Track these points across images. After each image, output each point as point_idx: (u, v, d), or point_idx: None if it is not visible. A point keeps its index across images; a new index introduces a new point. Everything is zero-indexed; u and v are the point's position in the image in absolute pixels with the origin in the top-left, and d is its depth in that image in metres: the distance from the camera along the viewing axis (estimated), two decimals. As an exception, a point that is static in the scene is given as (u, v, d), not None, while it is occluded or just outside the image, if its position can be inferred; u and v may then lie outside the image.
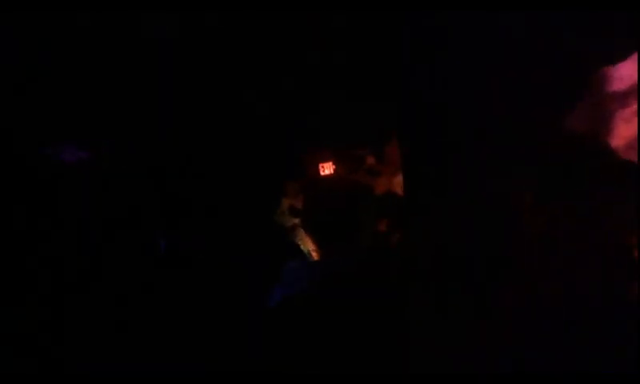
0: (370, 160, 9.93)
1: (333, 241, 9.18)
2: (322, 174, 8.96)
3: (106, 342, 4.32)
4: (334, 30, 6.04)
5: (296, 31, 6.33)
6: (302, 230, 9.46)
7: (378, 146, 9.86)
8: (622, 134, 3.85)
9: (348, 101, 9.24)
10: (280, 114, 8.31)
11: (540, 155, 4.54)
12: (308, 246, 9.04)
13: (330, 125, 9.49)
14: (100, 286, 4.43)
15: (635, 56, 3.79)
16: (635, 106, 3.65)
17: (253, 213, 8.17)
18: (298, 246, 9.15)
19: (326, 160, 9.12)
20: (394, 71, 5.83)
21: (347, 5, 4.37)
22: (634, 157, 3.73)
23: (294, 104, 8.49)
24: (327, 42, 6.50)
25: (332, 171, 9.03)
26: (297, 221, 9.35)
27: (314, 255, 8.79)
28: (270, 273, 6.82)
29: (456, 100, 5.18)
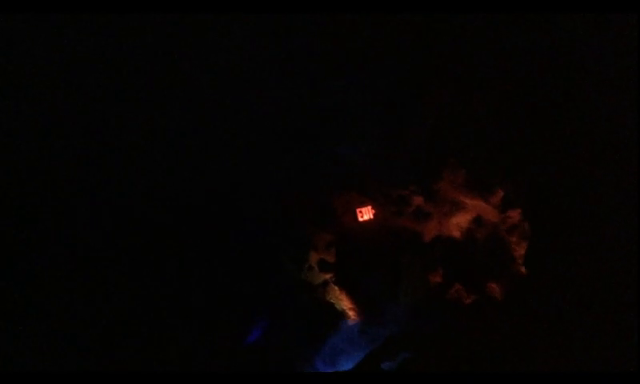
0: (417, 200, 8.73)
1: (375, 299, 8.08)
2: (359, 220, 8.00)
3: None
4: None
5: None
6: (335, 287, 8.43)
7: (426, 182, 8.60)
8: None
9: (385, 129, 8.39)
10: (304, 147, 7.59)
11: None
12: (343, 304, 7.97)
13: (366, 159, 8.48)
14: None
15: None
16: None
17: (273, 269, 7.32)
18: (332, 305, 8.12)
19: (363, 204, 8.15)
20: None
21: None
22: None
23: (321, 133, 7.79)
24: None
25: (371, 216, 8.03)
26: (328, 277, 8.40)
27: (352, 315, 7.77)
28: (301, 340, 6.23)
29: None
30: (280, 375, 6.28)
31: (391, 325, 7.85)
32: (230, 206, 7.51)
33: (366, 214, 8.87)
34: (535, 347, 7.71)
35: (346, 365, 7.06)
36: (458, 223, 9.21)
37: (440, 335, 7.79)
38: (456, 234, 9.18)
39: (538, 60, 8.56)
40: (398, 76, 8.60)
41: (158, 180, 6.96)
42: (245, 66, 8.06)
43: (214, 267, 7.07)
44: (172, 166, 7.21)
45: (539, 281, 8.46)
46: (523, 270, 8.68)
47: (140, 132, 6.52)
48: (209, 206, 7.30)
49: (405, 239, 8.88)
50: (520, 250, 8.83)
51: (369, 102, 8.87)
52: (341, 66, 8.12)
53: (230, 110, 7.92)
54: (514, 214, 8.82)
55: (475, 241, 9.20)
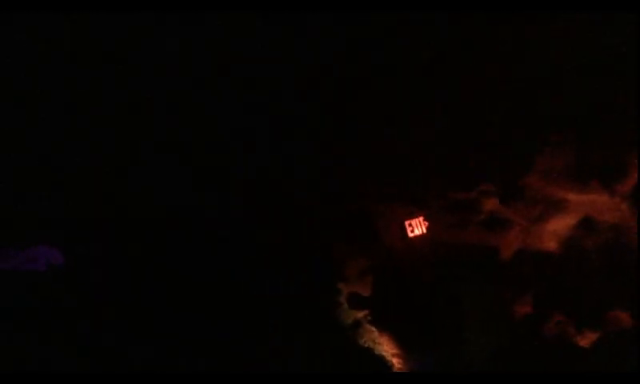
0: (490, 204, 6.30)
1: (430, 342, 6.15)
2: (409, 235, 5.97)
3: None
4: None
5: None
6: (372, 327, 6.31)
7: (506, 176, 6.14)
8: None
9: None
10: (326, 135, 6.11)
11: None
12: (384, 349, 5.82)
13: (415, 150, 6.19)
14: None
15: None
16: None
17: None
18: (369, 350, 6.23)
19: (413, 214, 6.06)
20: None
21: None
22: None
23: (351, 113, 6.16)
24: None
25: (424, 230, 5.90)
26: (362, 315, 6.35)
27: (396, 363, 6.01)
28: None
29: None
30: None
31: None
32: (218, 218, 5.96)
33: (416, 227, 6.62)
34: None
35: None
36: (554, 231, 6.46)
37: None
38: (551, 245, 6.47)
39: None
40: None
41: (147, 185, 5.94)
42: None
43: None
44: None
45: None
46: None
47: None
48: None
49: (472, 258, 6.52)
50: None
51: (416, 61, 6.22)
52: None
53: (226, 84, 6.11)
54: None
55: (583, 253, 6.39)
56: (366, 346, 6.41)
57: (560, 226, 6.42)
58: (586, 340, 6.15)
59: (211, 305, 6.21)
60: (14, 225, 4.91)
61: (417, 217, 6.61)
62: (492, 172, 6.44)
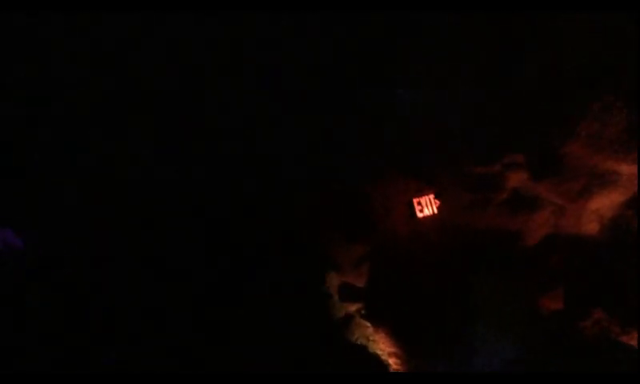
0: (517, 178, 5.11)
1: (434, 345, 5.24)
2: (417, 215, 4.96)
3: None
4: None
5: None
6: (366, 322, 5.44)
7: (539, 146, 4.88)
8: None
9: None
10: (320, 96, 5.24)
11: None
12: (379, 347, 5.10)
13: (426, 114, 5.07)
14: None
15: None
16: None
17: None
18: (363, 348, 5.38)
19: (421, 191, 5.00)
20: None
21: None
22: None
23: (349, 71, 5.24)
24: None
25: (435, 211, 4.85)
26: (355, 308, 5.64)
27: (393, 364, 5.18)
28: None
29: None
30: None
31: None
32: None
33: (426, 206, 5.53)
34: None
35: None
36: (596, 210, 5.22)
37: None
38: (591, 227, 5.26)
39: None
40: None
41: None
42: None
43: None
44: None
45: None
46: None
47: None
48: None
49: (491, 245, 5.41)
50: None
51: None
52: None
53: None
54: None
55: (630, 238, 5.18)
56: (359, 343, 5.58)
57: (605, 204, 5.18)
58: (634, 340, 5.08)
59: (190, 299, 5.51)
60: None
61: (426, 194, 5.50)
62: (521, 139, 5.15)
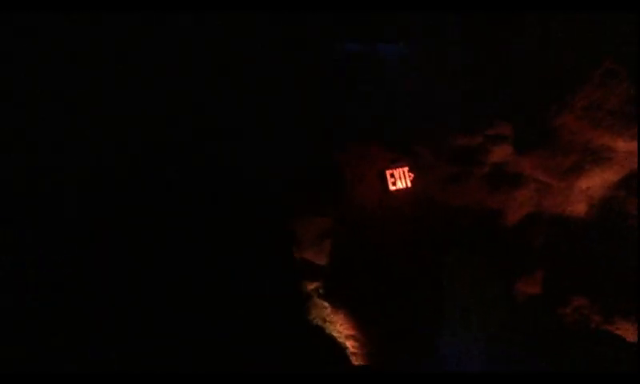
0: (500, 153, 4.60)
1: (399, 329, 4.88)
2: (390, 188, 4.47)
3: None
4: None
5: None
6: (324, 302, 5.23)
7: (525, 118, 4.38)
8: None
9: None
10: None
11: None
12: (336, 329, 5.15)
13: (402, 72, 4.61)
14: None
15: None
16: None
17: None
18: (321, 330, 4.86)
19: (395, 162, 4.52)
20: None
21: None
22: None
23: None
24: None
25: (408, 184, 4.35)
26: (314, 287, 5.30)
27: (351, 347, 4.84)
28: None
29: None
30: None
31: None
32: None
33: (399, 179, 4.98)
34: None
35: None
36: (586, 189, 4.69)
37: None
38: (579, 208, 4.75)
39: None
40: None
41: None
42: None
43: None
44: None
45: None
46: None
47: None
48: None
49: (468, 223, 4.90)
50: None
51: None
52: None
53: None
54: None
55: (621, 220, 4.69)
56: (314, 323, 5.20)
57: (596, 183, 4.66)
58: (621, 330, 4.71)
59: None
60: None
61: (400, 166, 4.94)
62: (509, 109, 4.55)
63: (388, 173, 4.96)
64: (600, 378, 3.98)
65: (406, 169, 4.97)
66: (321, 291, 5.37)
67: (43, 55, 4.46)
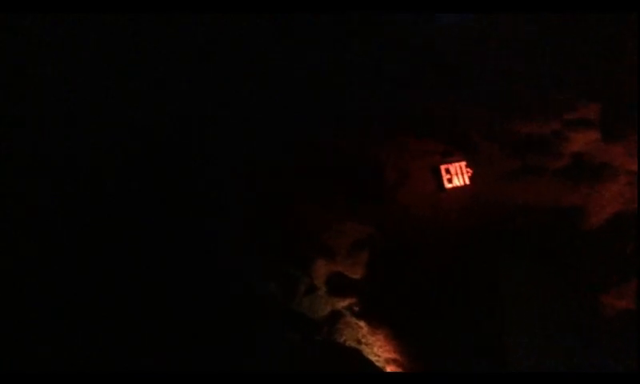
0: (582, 139, 3.72)
1: (449, 347, 3.99)
2: (446, 185, 3.62)
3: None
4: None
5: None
6: (360, 321, 4.49)
7: (614, 98, 3.42)
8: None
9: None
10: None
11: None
12: (376, 351, 4.42)
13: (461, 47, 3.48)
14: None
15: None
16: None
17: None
18: (355, 353, 4.43)
19: (450, 156, 3.63)
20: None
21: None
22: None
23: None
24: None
25: (466, 181, 3.50)
26: (346, 304, 4.55)
27: (394, 370, 3.91)
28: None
29: None
30: None
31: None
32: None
33: (456, 175, 4.14)
34: None
35: None
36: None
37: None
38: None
39: None
40: None
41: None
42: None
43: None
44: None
45: None
46: None
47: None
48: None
49: (538, 226, 4.07)
50: None
51: None
52: None
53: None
54: None
55: None
56: (347, 345, 4.34)
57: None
58: None
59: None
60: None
61: (456, 161, 4.09)
62: (592, 86, 3.74)
63: (443, 168, 4.10)
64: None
65: (463, 163, 4.12)
66: (355, 309, 4.52)
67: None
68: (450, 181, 4.12)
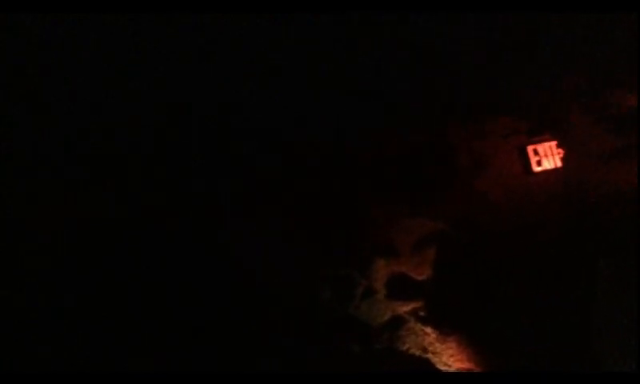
0: None
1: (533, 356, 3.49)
2: (535, 169, 3.11)
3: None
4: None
5: None
6: (426, 328, 4.08)
7: None
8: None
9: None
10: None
11: None
12: (446, 361, 4.00)
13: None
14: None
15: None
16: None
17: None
18: (421, 362, 4.01)
19: (539, 134, 3.14)
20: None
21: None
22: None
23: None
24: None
25: (558, 163, 3.02)
26: (409, 309, 4.14)
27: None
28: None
29: None
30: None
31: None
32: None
33: (545, 157, 3.63)
34: None
35: None
36: None
37: None
38: None
39: None
40: None
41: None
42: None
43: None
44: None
45: None
46: None
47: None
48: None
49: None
50: None
51: None
52: None
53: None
54: None
55: None
56: (410, 353, 3.85)
57: None
58: None
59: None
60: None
61: (546, 140, 3.58)
62: None
63: (531, 149, 3.57)
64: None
65: (553, 143, 3.60)
66: (421, 314, 4.00)
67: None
68: (539, 163, 3.59)
